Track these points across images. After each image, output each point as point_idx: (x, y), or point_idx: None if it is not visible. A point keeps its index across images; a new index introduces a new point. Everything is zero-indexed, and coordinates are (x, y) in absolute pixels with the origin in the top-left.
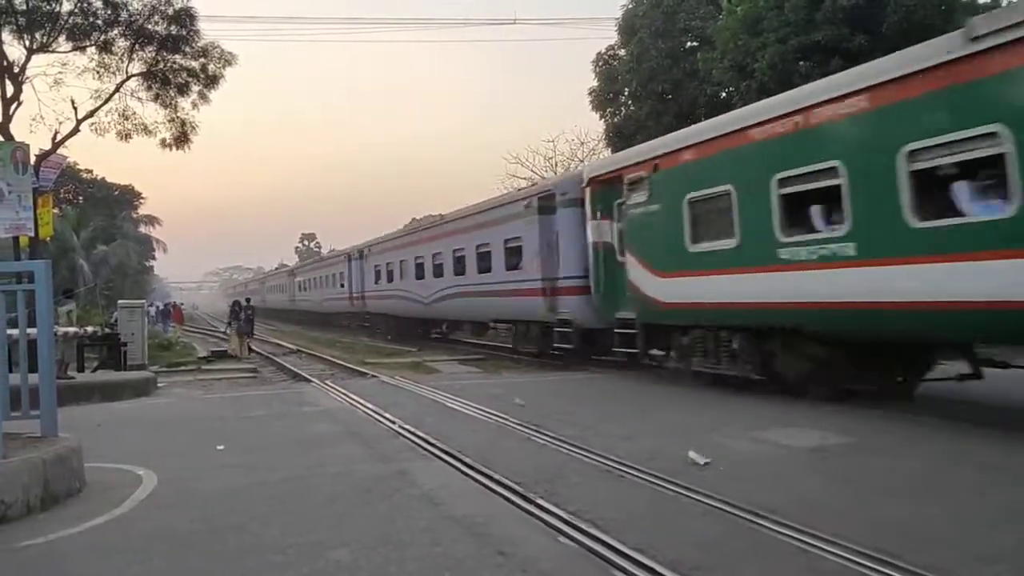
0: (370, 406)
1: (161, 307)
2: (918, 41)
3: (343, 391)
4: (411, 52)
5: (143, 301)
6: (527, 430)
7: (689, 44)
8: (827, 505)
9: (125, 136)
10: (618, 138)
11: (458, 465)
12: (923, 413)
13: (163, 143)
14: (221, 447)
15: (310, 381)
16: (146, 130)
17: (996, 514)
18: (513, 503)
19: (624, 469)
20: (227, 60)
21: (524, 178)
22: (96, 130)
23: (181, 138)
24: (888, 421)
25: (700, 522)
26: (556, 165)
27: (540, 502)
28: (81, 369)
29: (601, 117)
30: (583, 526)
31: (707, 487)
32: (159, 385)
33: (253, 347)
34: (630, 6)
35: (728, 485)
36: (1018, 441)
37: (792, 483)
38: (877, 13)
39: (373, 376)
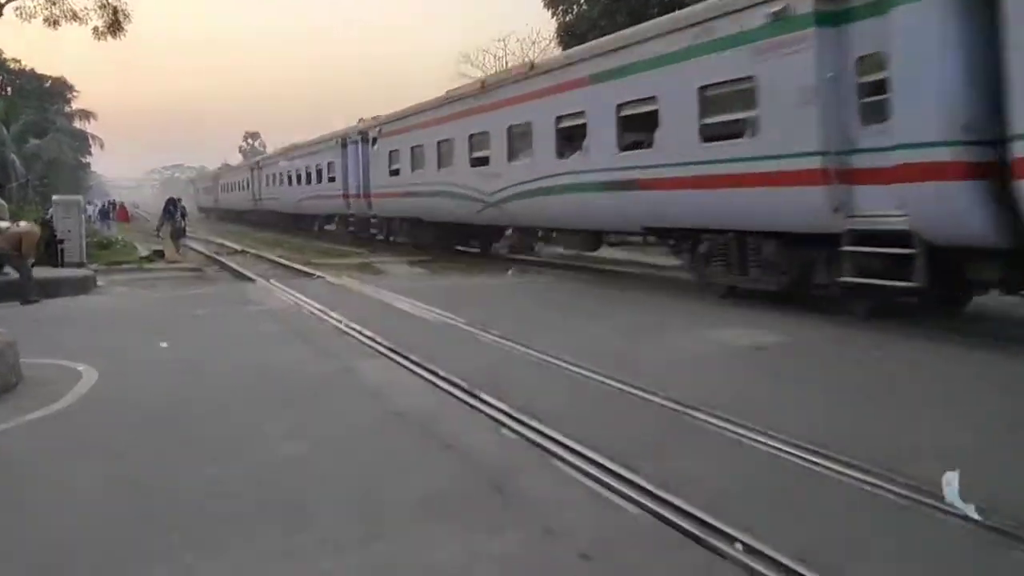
0: (316, 306)
1: (101, 206)
2: None
3: (289, 291)
4: None
5: (79, 197)
6: (474, 329)
7: None
8: (763, 400)
9: (53, 23)
10: (570, 37)
11: (404, 363)
12: (860, 315)
13: (95, 32)
14: (164, 344)
15: (255, 281)
16: (75, 16)
17: (921, 408)
18: (458, 399)
19: (567, 366)
20: None
21: (472, 78)
22: (22, 15)
23: (114, 26)
24: (825, 322)
25: (640, 416)
26: (507, 64)
27: (484, 397)
28: None
29: (553, 15)
30: (526, 419)
31: (649, 383)
32: (99, 284)
33: (194, 248)
34: None
35: (669, 381)
36: (947, 340)
37: (731, 380)
38: None
39: (319, 277)
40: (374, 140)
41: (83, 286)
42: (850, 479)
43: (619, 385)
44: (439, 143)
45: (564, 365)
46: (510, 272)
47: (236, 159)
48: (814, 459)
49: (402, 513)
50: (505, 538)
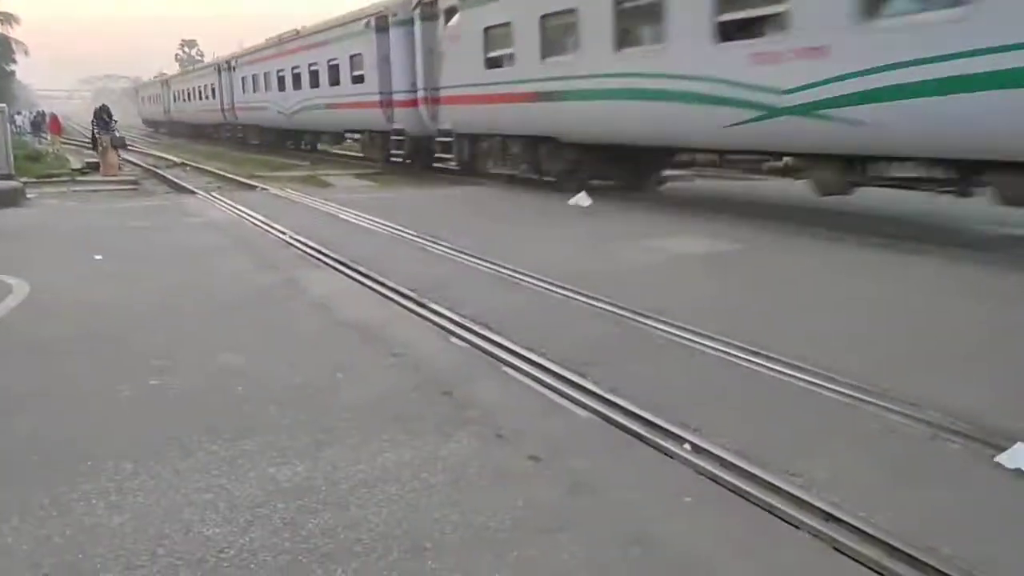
0: (259, 217)
1: (33, 117)
2: None
3: (230, 203)
4: None
5: (3, 106)
6: (422, 240)
7: None
8: (714, 307)
9: None
10: None
11: (351, 274)
12: (811, 223)
13: None
14: (99, 257)
15: (195, 194)
16: None
17: (860, 310)
18: (406, 308)
19: (517, 276)
20: None
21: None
22: None
23: None
24: (775, 230)
25: (591, 324)
26: None
27: (433, 307)
28: None
29: None
30: (476, 328)
31: (599, 293)
32: (28, 196)
33: (130, 160)
34: None
35: (620, 291)
36: (897, 251)
37: (682, 287)
38: None
39: (263, 189)
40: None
41: (11, 199)
42: (792, 378)
43: (569, 294)
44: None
45: (514, 275)
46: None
47: (173, 69)
48: (756, 360)
49: (351, 420)
50: (455, 442)
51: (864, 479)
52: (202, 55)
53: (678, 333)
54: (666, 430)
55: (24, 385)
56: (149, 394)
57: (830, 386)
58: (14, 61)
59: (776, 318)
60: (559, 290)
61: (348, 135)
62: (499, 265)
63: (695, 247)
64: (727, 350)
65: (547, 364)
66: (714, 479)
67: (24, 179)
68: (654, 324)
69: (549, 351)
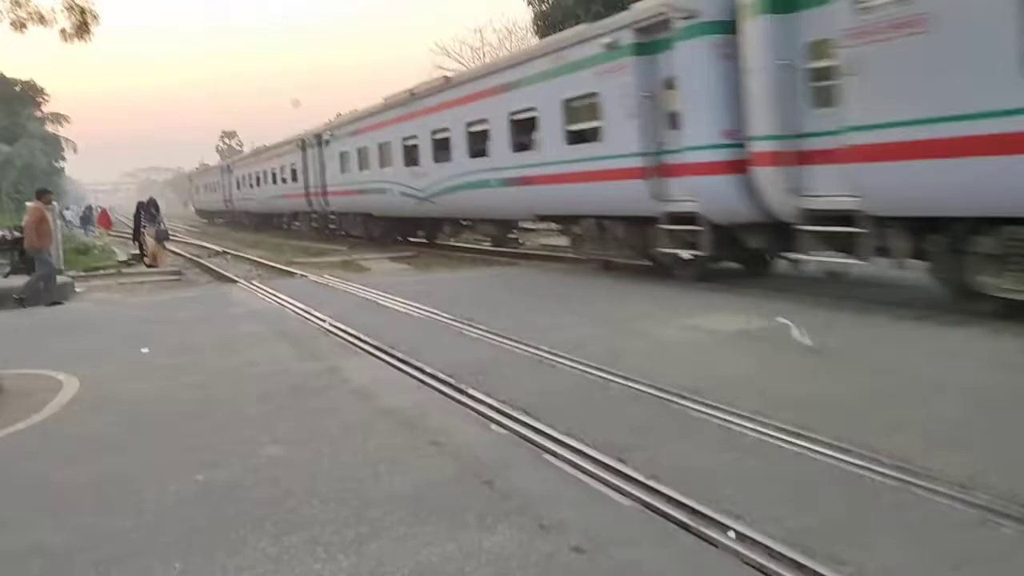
0: (299, 305)
1: (81, 210)
2: None
3: (271, 291)
4: None
5: (54, 204)
6: (459, 324)
7: None
8: (748, 385)
9: (20, 26)
10: (547, 26)
11: (390, 360)
12: (848, 298)
13: (63, 34)
14: (145, 350)
15: (236, 282)
16: (42, 19)
17: (903, 387)
18: (445, 395)
19: (554, 358)
20: None
21: (450, 70)
22: None
23: (82, 28)
24: (811, 306)
25: (628, 406)
26: (484, 55)
27: (472, 393)
28: None
29: (528, 3)
30: (515, 414)
31: (635, 373)
32: (77, 290)
33: (172, 250)
34: None
35: (656, 370)
36: (936, 323)
37: (717, 366)
38: None
39: (302, 276)
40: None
41: (61, 294)
42: (837, 460)
43: (606, 375)
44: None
45: (552, 358)
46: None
47: (213, 159)
48: (799, 442)
49: (393, 512)
50: (497, 534)
51: (914, 568)
52: (241, 145)
53: (717, 414)
54: (709, 517)
55: (74, 481)
56: (196, 489)
57: (875, 468)
58: (63, 158)
59: (814, 397)
60: (596, 371)
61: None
62: (535, 347)
63: (729, 324)
64: (767, 431)
65: (587, 450)
66: (760, 568)
67: (73, 273)
68: (692, 405)
69: (588, 436)
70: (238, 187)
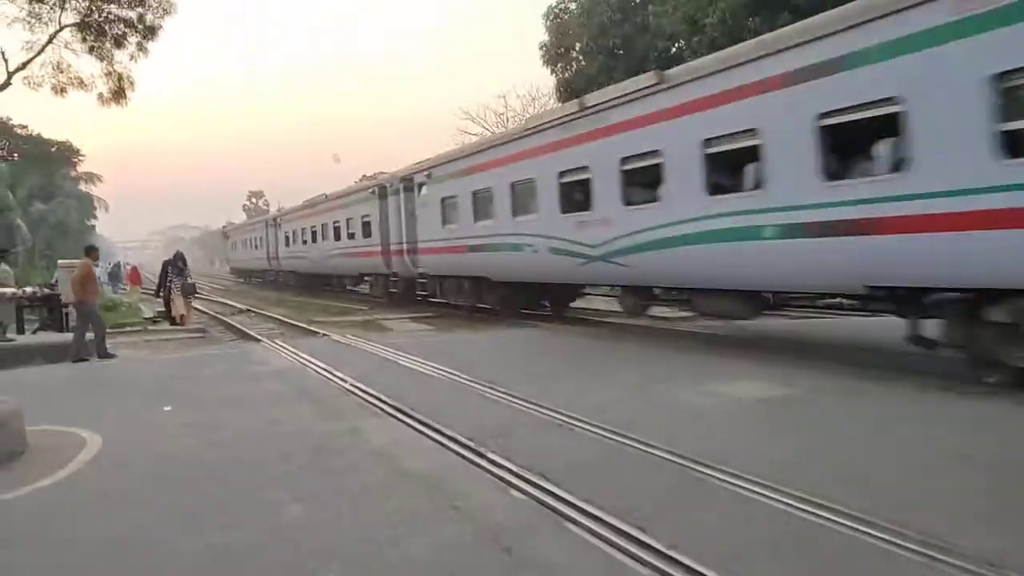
0: (320, 365)
1: (110, 267)
2: None
3: (293, 350)
4: (358, 9)
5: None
6: (479, 386)
7: None
8: (771, 454)
9: (60, 90)
10: (569, 93)
11: (410, 422)
12: (870, 367)
13: (100, 98)
14: (168, 408)
15: (260, 340)
16: (82, 84)
17: (928, 459)
18: (465, 458)
19: (575, 423)
20: (166, 9)
21: (475, 134)
22: (29, 84)
23: (119, 93)
24: (833, 373)
25: (649, 473)
26: (508, 121)
27: (492, 456)
28: (20, 331)
29: (552, 72)
30: (534, 479)
31: (656, 439)
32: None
33: (197, 308)
34: None
35: (677, 437)
36: (959, 394)
37: (738, 433)
38: None
39: (324, 335)
40: (419, 186)
41: (87, 350)
42: (862, 534)
43: (626, 441)
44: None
45: (572, 422)
46: None
47: (240, 217)
48: (823, 513)
49: None
50: None
51: None
52: (268, 204)
53: (738, 483)
54: None
55: (94, 540)
56: (215, 550)
57: (901, 542)
58: (95, 216)
59: (837, 468)
60: (616, 437)
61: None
62: (555, 411)
63: (751, 391)
64: (791, 502)
65: (607, 518)
66: None
67: None
68: (713, 474)
69: (608, 504)
70: (287, 243)
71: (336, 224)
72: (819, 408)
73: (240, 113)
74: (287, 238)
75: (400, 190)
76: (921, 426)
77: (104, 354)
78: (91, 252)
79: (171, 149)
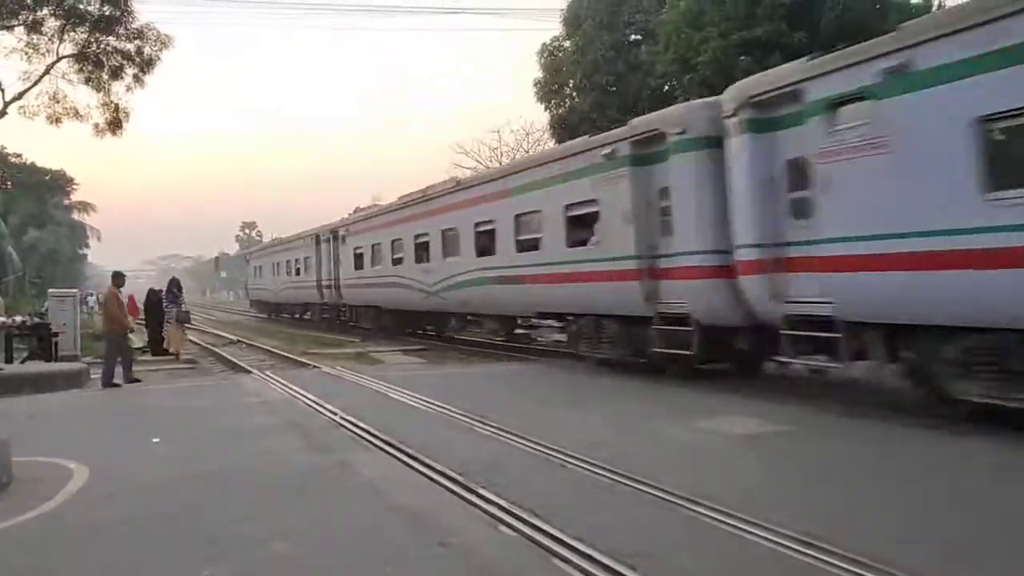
0: (311, 397)
1: (102, 298)
2: (853, 38)
3: (284, 382)
4: (354, 39)
5: (75, 290)
6: (470, 421)
7: (633, 37)
8: (761, 491)
9: (55, 120)
10: (563, 129)
11: (400, 456)
12: (857, 403)
13: (96, 128)
14: (156, 440)
15: (250, 372)
16: (77, 114)
17: (917, 498)
18: (455, 493)
19: (566, 459)
20: (164, 43)
21: (469, 168)
22: (25, 113)
23: (114, 123)
24: (822, 411)
25: (639, 510)
26: (501, 155)
27: (482, 492)
28: (9, 360)
29: (546, 108)
30: (524, 515)
31: (647, 475)
32: (92, 376)
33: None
34: None
35: (667, 473)
36: (944, 433)
37: (728, 470)
38: (815, 10)
39: (315, 367)
40: (343, 238)
41: (76, 380)
42: (852, 574)
43: (617, 477)
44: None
45: (563, 458)
46: None
47: (233, 248)
48: (813, 552)
49: None
50: None
51: None
52: (260, 235)
53: (728, 521)
54: None
55: (79, 574)
56: None
57: None
58: (87, 245)
59: (827, 505)
60: (607, 473)
61: None
62: (546, 446)
63: (743, 428)
64: (779, 540)
65: (597, 556)
66: None
67: (88, 359)
68: (703, 511)
69: (598, 541)
70: (357, 265)
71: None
72: (806, 445)
73: (236, 143)
74: (357, 257)
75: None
76: (902, 464)
77: (131, 379)
78: (118, 279)
79: (164, 179)
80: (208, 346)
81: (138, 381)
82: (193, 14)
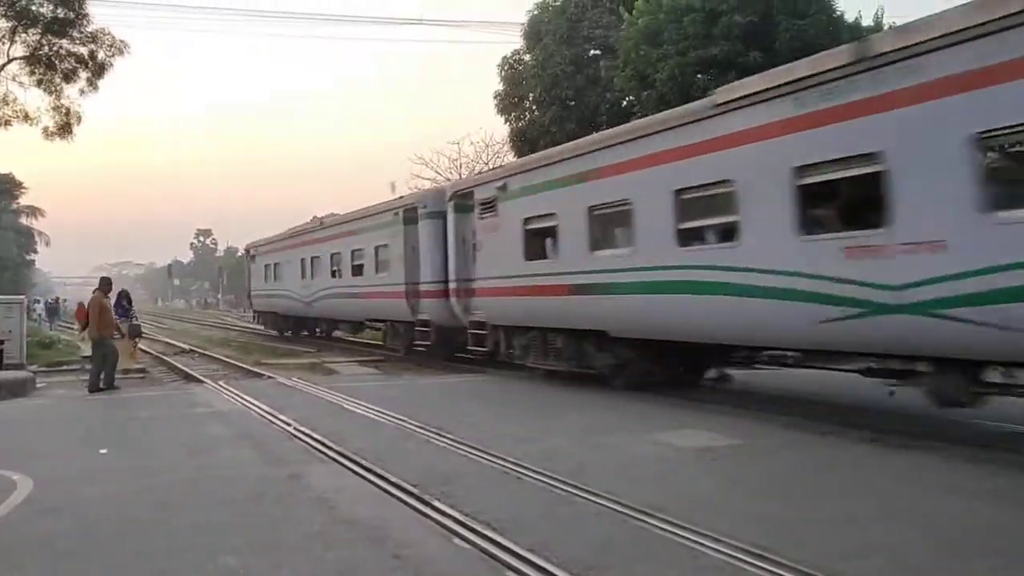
0: (264, 408)
1: (46, 303)
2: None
3: (236, 393)
4: (313, 48)
5: (22, 297)
6: (426, 432)
7: (592, 52)
8: (712, 503)
9: (4, 123)
10: (522, 142)
11: (354, 468)
12: (809, 418)
13: (45, 132)
14: (104, 451)
15: (203, 382)
16: (27, 117)
17: (864, 512)
18: (409, 505)
19: (521, 470)
20: (119, 48)
21: (428, 179)
22: None
23: (65, 128)
24: (774, 425)
25: (593, 523)
26: (461, 167)
27: (436, 504)
28: None
29: (506, 121)
30: (479, 528)
31: (601, 488)
32: (38, 385)
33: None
34: (536, 12)
35: (621, 486)
36: (889, 447)
37: (681, 483)
38: (770, 31)
39: (269, 377)
40: (252, 257)
41: (21, 389)
42: None
43: (572, 490)
44: (283, 263)
45: (518, 470)
46: None
47: (187, 256)
48: (763, 565)
49: None
50: None
51: None
52: (216, 243)
53: (681, 533)
54: None
55: None
56: None
57: None
58: (35, 251)
59: (779, 518)
60: (563, 486)
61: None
62: (502, 458)
63: (695, 441)
64: (731, 552)
65: (551, 568)
66: None
67: (35, 367)
68: (657, 524)
69: (553, 553)
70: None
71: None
72: (756, 458)
73: (187, 151)
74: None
75: (247, 256)
76: (855, 476)
77: (110, 385)
78: (104, 284)
79: (117, 185)
80: (159, 355)
81: (117, 388)
82: (154, 19)
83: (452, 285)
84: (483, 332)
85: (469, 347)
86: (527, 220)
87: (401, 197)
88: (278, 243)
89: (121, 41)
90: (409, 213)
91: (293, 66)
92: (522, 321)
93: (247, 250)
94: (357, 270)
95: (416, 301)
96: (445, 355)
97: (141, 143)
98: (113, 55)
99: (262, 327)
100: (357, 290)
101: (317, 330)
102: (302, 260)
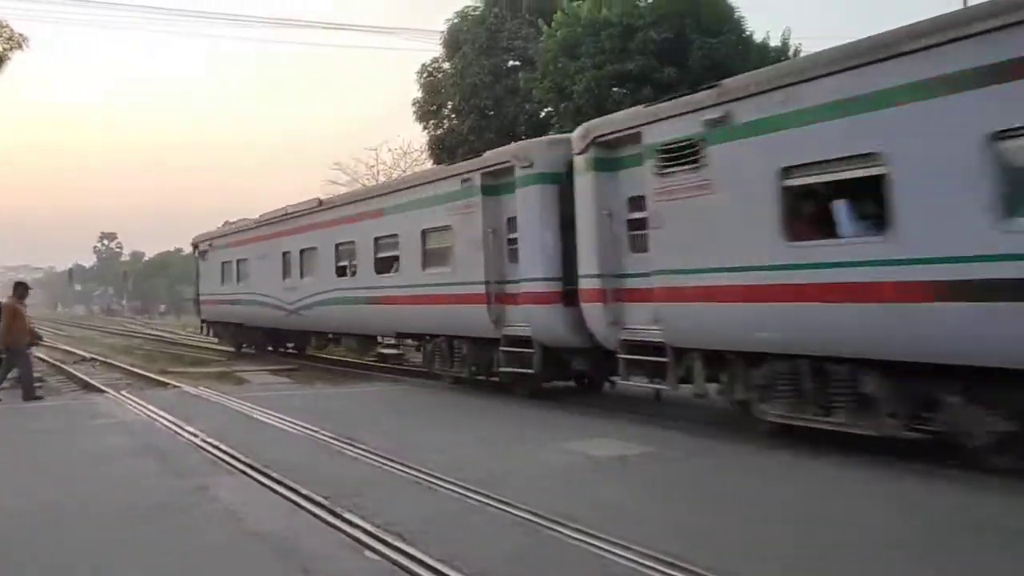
0: (170, 418)
1: None
2: (720, 75)
3: (140, 403)
4: (228, 49)
5: None
6: (338, 443)
7: (512, 63)
8: (624, 511)
9: None
10: (440, 150)
11: (263, 480)
12: (724, 428)
13: None
14: None
15: (104, 392)
16: None
17: (772, 517)
18: (320, 518)
19: (433, 480)
20: (17, 42)
21: (343, 184)
22: None
23: None
24: (687, 434)
25: (506, 533)
26: (379, 174)
27: (347, 516)
28: None
29: (424, 128)
30: (390, 539)
31: (514, 497)
32: None
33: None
34: (455, 20)
35: (534, 495)
36: (800, 453)
37: (593, 491)
38: (684, 48)
39: (175, 386)
40: (203, 253)
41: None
42: None
43: (485, 500)
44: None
45: (430, 480)
46: None
47: (90, 260)
48: (674, 572)
49: None
50: None
51: None
52: (121, 247)
53: (591, 542)
54: None
55: None
56: None
57: None
58: None
59: (687, 525)
60: (475, 496)
61: None
62: (415, 468)
63: (606, 449)
64: (641, 560)
65: None
66: None
67: None
68: (568, 533)
69: (465, 564)
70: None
71: None
72: (666, 466)
73: (90, 151)
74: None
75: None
76: (761, 484)
77: (31, 397)
78: (19, 289)
79: (13, 187)
80: (57, 363)
81: (40, 399)
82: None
83: (588, 285)
84: (651, 358)
85: (621, 379)
86: (787, 171)
87: (479, 154)
88: (243, 234)
89: (20, 35)
90: (490, 178)
91: (216, 67)
92: (764, 344)
93: (195, 245)
94: (384, 265)
95: (502, 308)
96: (533, 386)
97: (40, 147)
98: (10, 48)
99: (216, 340)
100: (385, 293)
101: (289, 345)
102: (284, 255)
